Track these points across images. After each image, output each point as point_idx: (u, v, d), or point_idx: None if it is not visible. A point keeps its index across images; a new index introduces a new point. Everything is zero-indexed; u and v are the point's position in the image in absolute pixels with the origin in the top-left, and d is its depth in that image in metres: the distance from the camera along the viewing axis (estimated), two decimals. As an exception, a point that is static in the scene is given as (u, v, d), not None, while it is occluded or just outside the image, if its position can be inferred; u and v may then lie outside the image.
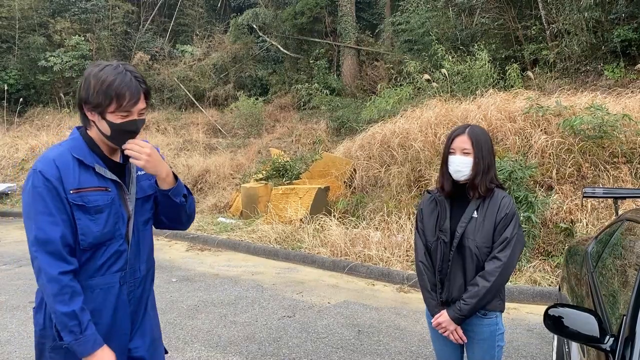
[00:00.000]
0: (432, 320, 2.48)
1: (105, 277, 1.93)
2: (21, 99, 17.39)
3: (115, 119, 1.84)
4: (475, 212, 2.38)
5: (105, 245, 1.90)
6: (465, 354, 2.55)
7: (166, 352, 2.25)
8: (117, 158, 1.99)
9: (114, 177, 1.92)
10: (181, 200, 1.99)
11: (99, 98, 1.82)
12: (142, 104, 1.89)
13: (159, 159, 1.91)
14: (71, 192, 1.82)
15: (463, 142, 2.41)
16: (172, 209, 2.03)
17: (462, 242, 2.37)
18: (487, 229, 2.35)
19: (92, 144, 1.92)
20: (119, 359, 1.96)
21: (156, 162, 1.90)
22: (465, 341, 2.44)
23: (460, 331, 2.41)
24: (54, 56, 17.25)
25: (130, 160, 1.89)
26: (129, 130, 1.88)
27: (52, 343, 1.89)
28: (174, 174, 1.99)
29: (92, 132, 1.93)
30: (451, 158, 2.43)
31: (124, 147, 1.89)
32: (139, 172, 2.01)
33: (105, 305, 1.93)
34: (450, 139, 2.46)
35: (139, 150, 1.86)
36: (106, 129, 1.86)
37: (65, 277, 1.80)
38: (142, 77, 1.92)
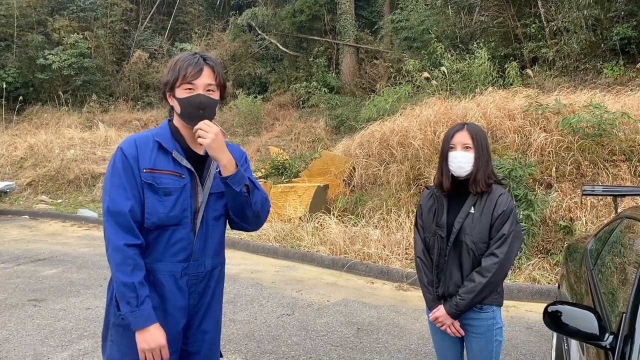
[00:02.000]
0: (429, 315, 2.49)
1: (169, 264, 1.98)
2: (20, 97, 17.38)
3: (181, 93, 1.94)
4: (472, 208, 2.39)
5: (170, 230, 1.96)
6: (464, 349, 2.56)
7: (221, 356, 2.25)
8: (200, 150, 2.03)
9: (189, 166, 1.99)
10: (241, 189, 1.97)
11: (168, 75, 1.97)
12: (207, 79, 1.95)
13: (222, 144, 1.94)
14: (144, 170, 1.93)
15: (464, 137, 2.41)
16: (234, 200, 2.01)
17: (458, 237, 2.38)
18: (484, 225, 2.36)
19: (176, 133, 2.03)
20: (171, 349, 1.99)
21: (219, 146, 1.93)
22: (463, 334, 2.45)
23: (457, 325, 2.42)
24: (52, 54, 17.24)
25: (198, 140, 1.92)
26: (194, 105, 1.93)
27: (113, 319, 1.96)
28: (236, 164, 1.99)
29: (175, 121, 2.04)
30: (452, 154, 2.43)
31: (195, 127, 1.93)
32: (218, 169, 2.03)
33: (164, 291, 1.97)
34: (450, 135, 2.46)
35: (206, 128, 1.91)
36: (177, 107, 1.97)
37: (130, 250, 1.88)
38: (212, 59, 2.00)
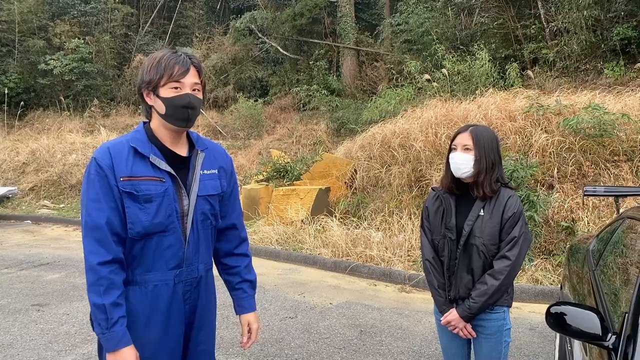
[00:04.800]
0: (441, 319, 2.48)
1: (161, 273, 1.91)
2: (21, 103, 17.43)
3: (167, 92, 1.87)
4: (482, 210, 2.39)
5: (157, 237, 1.88)
6: (472, 350, 2.56)
7: None
8: (182, 151, 1.98)
9: (169, 169, 1.91)
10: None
11: (151, 74, 1.88)
12: (193, 77, 1.90)
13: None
14: (122, 179, 1.83)
15: (464, 138, 2.42)
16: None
17: (469, 239, 2.38)
18: (494, 227, 2.35)
19: (152, 136, 1.94)
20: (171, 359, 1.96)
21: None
22: (475, 336, 2.45)
23: (469, 327, 2.42)
24: (53, 59, 17.29)
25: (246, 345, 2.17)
26: (183, 105, 1.88)
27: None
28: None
29: (153, 123, 1.96)
30: (452, 155, 2.44)
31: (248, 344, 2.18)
32: (204, 171, 2.01)
33: (158, 302, 1.91)
34: (453, 136, 2.48)
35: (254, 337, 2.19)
36: (161, 107, 1.89)
37: (104, 268, 1.79)
38: (196, 58, 1.96)
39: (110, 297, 1.78)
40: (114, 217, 1.82)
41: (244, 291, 2.20)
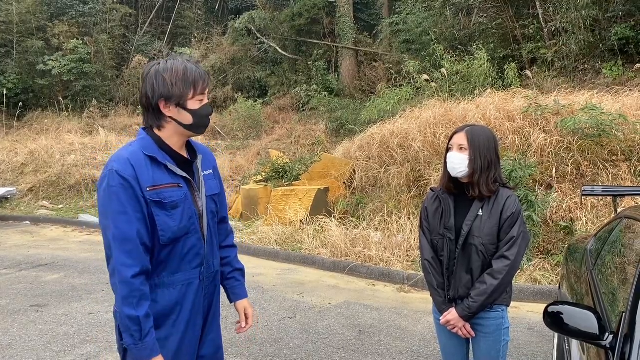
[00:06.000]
0: (440, 318, 2.49)
1: (187, 273, 2.00)
2: (20, 103, 17.41)
3: (195, 104, 1.94)
4: (480, 210, 2.40)
5: (182, 240, 1.96)
6: (471, 349, 2.56)
7: None
8: (185, 155, 2.05)
9: (184, 174, 1.99)
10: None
11: (180, 88, 1.89)
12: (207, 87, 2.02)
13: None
14: (148, 189, 1.87)
15: (460, 138, 2.44)
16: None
17: (468, 239, 2.39)
18: (493, 227, 2.36)
19: (160, 143, 1.97)
20: (190, 356, 2.03)
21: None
22: (474, 335, 2.45)
23: (468, 327, 2.43)
24: (52, 60, 17.28)
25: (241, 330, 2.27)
26: (207, 114, 2.01)
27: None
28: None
29: (166, 132, 1.96)
30: (449, 155, 2.46)
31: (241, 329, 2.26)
32: (205, 172, 2.10)
33: (185, 300, 2.00)
34: (451, 136, 2.49)
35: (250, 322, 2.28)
36: (188, 119, 1.94)
37: (137, 281, 1.83)
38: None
39: (143, 309, 1.83)
40: (142, 227, 1.85)
41: (236, 279, 2.31)
